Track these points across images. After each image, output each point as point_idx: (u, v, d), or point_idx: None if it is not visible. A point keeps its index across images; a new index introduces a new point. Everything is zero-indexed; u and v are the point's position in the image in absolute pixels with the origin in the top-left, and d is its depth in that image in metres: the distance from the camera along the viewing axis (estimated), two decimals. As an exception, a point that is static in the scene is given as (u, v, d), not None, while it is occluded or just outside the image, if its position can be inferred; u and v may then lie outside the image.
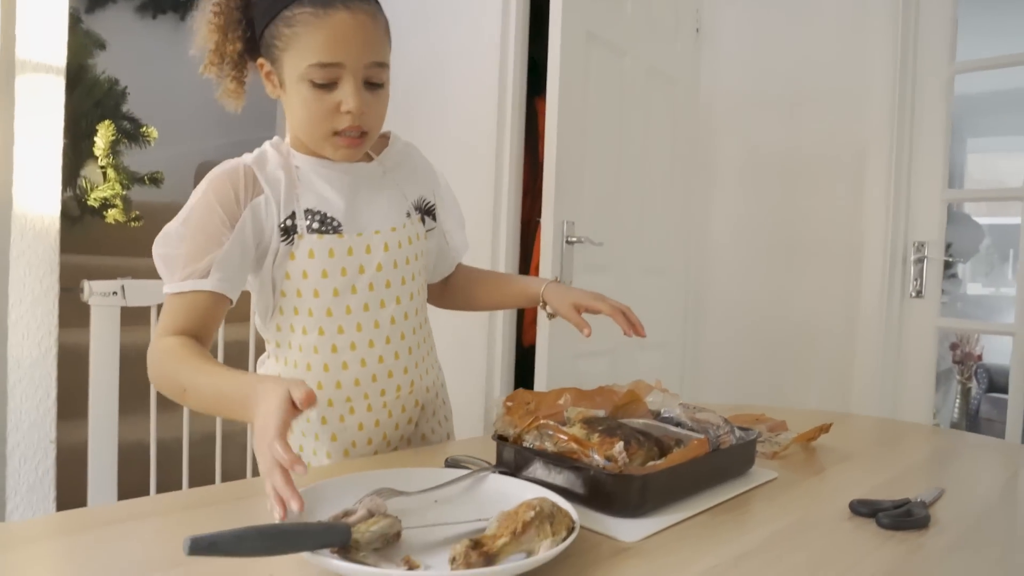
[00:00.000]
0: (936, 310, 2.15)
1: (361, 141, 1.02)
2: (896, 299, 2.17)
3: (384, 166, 1.13)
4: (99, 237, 2.08)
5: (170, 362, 0.94)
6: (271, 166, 1.03)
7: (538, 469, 0.90)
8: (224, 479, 1.93)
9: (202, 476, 1.89)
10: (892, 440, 1.42)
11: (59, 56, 1.49)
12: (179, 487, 1.84)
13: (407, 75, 2.66)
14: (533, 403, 1.00)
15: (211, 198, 0.99)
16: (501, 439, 0.96)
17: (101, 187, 1.59)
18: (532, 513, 0.67)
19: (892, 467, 1.15)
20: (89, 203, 1.56)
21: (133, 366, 1.81)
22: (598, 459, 0.86)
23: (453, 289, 1.33)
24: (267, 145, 1.07)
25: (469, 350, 2.27)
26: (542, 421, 0.95)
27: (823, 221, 2.30)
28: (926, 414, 2.15)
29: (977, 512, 0.96)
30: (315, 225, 1.03)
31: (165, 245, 0.99)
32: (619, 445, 0.88)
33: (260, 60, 1.02)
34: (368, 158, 1.12)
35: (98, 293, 1.58)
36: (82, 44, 1.74)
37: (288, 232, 1.02)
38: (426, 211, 1.18)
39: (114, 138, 1.56)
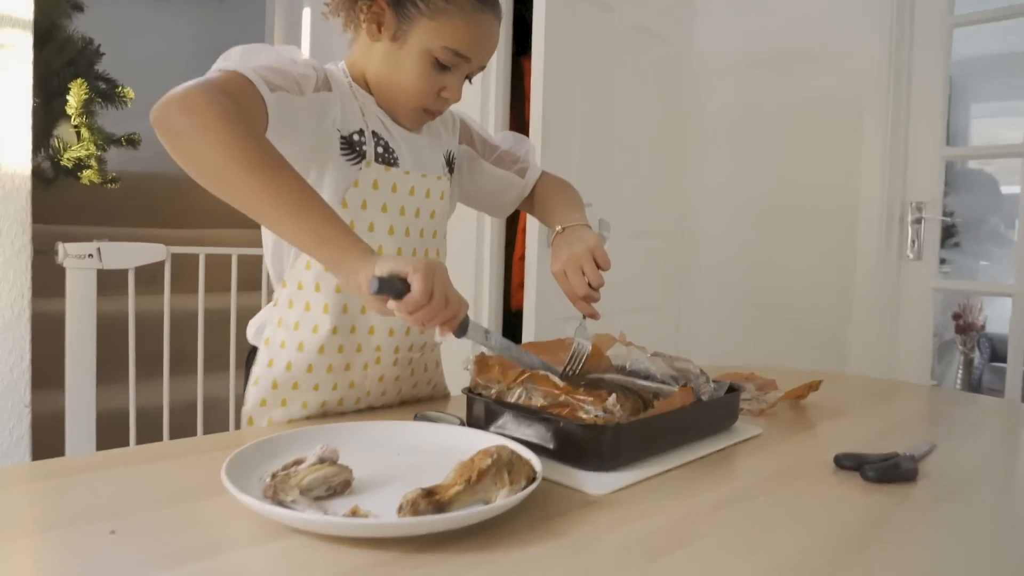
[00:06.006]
0: (934, 272, 2.11)
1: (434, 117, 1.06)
2: (893, 260, 2.12)
3: None
4: (75, 203, 2.03)
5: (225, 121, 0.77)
6: (339, 80, 1.00)
7: (508, 423, 0.87)
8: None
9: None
10: (886, 398, 1.38)
11: (26, 8, 1.43)
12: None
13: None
14: (495, 363, 0.96)
15: (294, 55, 0.94)
16: (471, 392, 0.92)
17: (75, 147, 1.54)
18: (489, 461, 0.64)
19: (882, 423, 1.12)
20: (62, 163, 1.51)
21: (111, 335, 1.78)
22: (594, 411, 0.83)
23: (532, 206, 1.27)
24: (329, 65, 1.03)
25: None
26: (528, 375, 0.91)
27: (817, 181, 2.25)
28: (923, 377, 2.12)
29: (968, 466, 0.93)
30: (380, 151, 1.00)
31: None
32: (612, 397, 0.85)
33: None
34: None
35: (73, 255, 1.54)
36: (56, 2, 1.68)
37: (354, 149, 0.98)
38: (451, 164, 1.16)
39: (87, 97, 1.51)
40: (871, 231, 2.11)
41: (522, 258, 2.33)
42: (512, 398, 0.90)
